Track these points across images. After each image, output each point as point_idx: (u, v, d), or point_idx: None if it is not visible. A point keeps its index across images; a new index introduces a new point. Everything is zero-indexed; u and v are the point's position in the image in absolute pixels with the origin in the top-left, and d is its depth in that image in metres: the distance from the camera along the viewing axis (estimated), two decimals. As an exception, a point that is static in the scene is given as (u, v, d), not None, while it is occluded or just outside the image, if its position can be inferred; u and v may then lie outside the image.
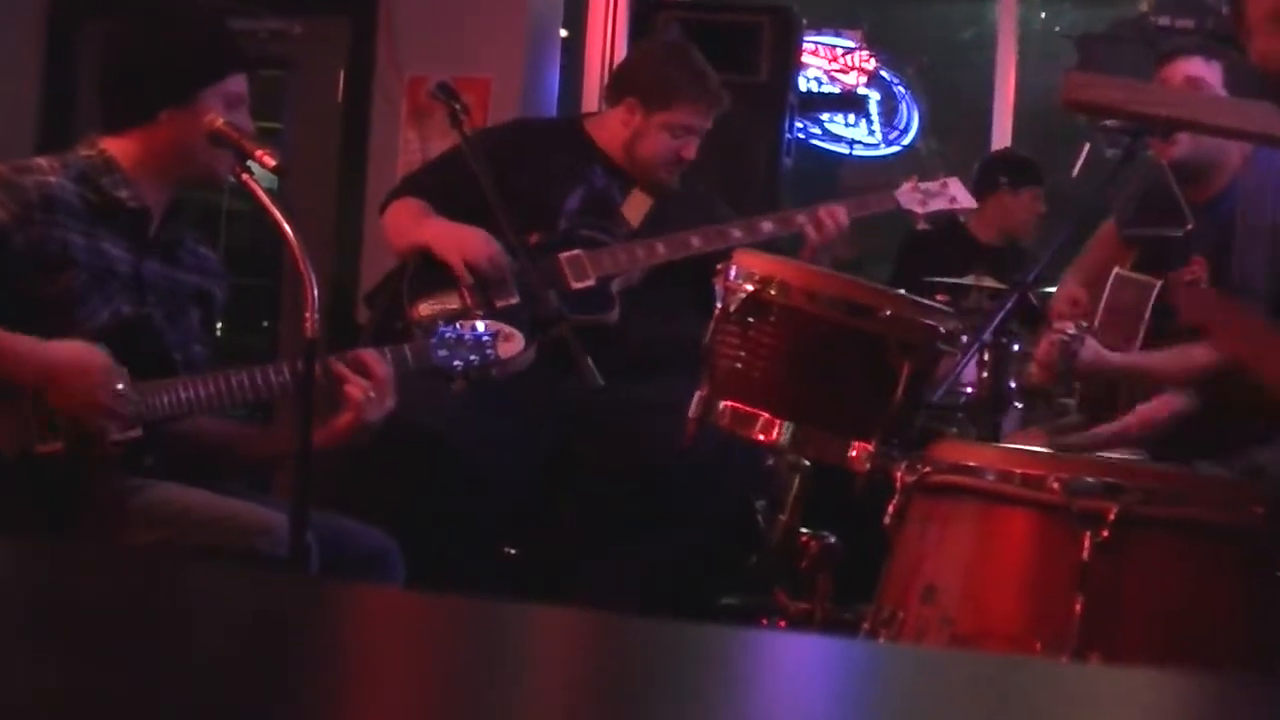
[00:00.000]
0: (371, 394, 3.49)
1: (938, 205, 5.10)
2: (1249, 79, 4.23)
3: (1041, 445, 3.73)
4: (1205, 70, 4.23)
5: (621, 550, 4.59)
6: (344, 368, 3.49)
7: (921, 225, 5.23)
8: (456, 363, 3.69)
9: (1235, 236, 4.16)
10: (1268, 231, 4.12)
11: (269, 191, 3.47)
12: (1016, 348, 5.30)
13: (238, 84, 3.63)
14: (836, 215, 4.77)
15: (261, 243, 7.49)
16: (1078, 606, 2.50)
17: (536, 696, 0.93)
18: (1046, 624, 2.55)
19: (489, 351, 3.72)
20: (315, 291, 3.21)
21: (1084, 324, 4.02)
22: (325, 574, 3.33)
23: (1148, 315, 4.18)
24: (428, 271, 4.65)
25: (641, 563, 4.55)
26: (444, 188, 4.80)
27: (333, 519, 3.53)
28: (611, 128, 4.94)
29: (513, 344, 3.77)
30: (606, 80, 6.11)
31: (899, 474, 2.82)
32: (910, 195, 5.05)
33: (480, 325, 3.77)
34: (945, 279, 5.84)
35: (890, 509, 2.80)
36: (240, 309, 7.79)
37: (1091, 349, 4.01)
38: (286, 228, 3.30)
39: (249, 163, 3.53)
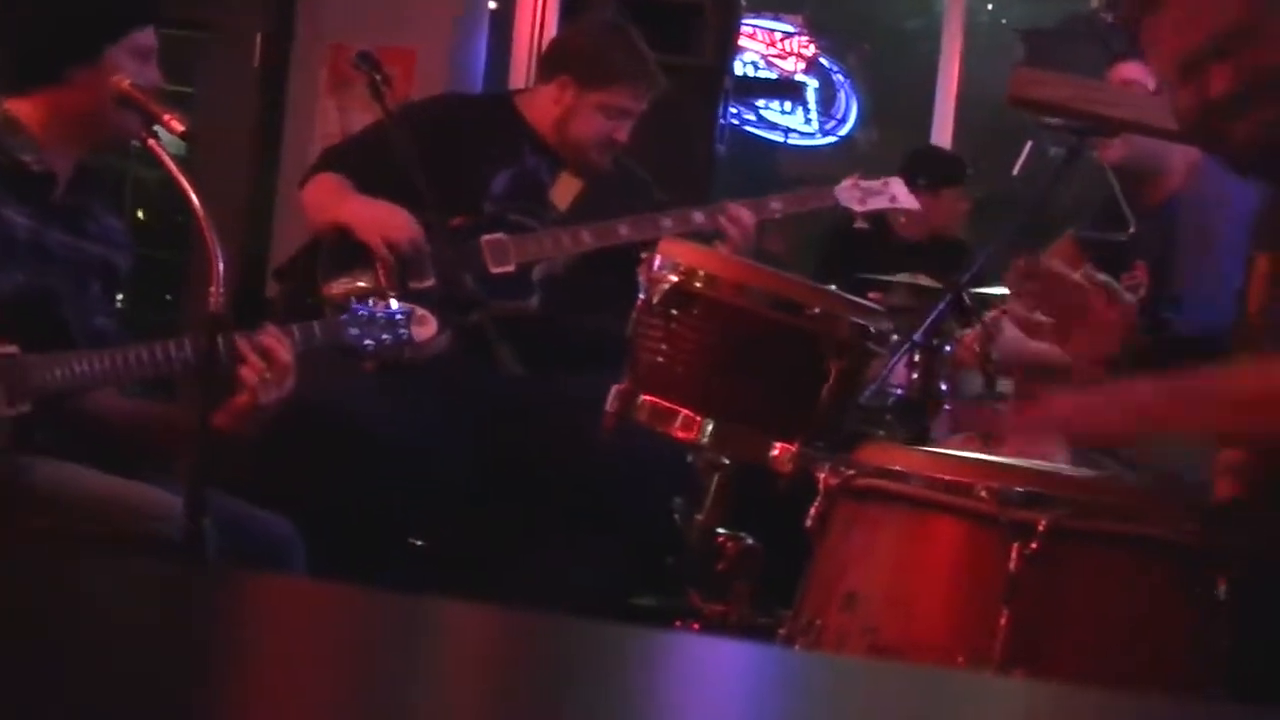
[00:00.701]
0: (268, 376, 3.45)
1: (877, 204, 5.12)
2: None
3: (977, 448, 3.74)
4: (1142, 72, 4.25)
5: (535, 546, 4.58)
6: (246, 347, 3.46)
7: (859, 224, 5.25)
8: (368, 341, 3.67)
9: (1178, 244, 4.19)
10: (1211, 241, 4.15)
11: (177, 158, 3.45)
12: (949, 349, 5.33)
13: (146, 37, 3.60)
14: (748, 216, 4.76)
15: (169, 212, 7.45)
16: (1003, 620, 2.50)
17: (439, 693, 0.93)
18: (971, 637, 2.55)
19: (401, 331, 3.70)
20: (222, 265, 3.19)
21: (1004, 309, 4.04)
22: (223, 561, 3.31)
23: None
24: (342, 249, 4.63)
25: (555, 560, 4.55)
26: (366, 164, 4.78)
27: (233, 503, 3.51)
28: (543, 105, 4.92)
29: (426, 327, 3.75)
30: (539, 55, 6.10)
31: (823, 476, 2.81)
32: (850, 192, 5.06)
33: (394, 304, 3.75)
34: (876, 276, 5.86)
35: (813, 512, 2.80)
36: (145, 282, 7.74)
37: (1011, 334, 4.02)
38: (194, 197, 3.27)
39: (156, 127, 3.50)
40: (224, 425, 3.41)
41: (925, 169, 7.05)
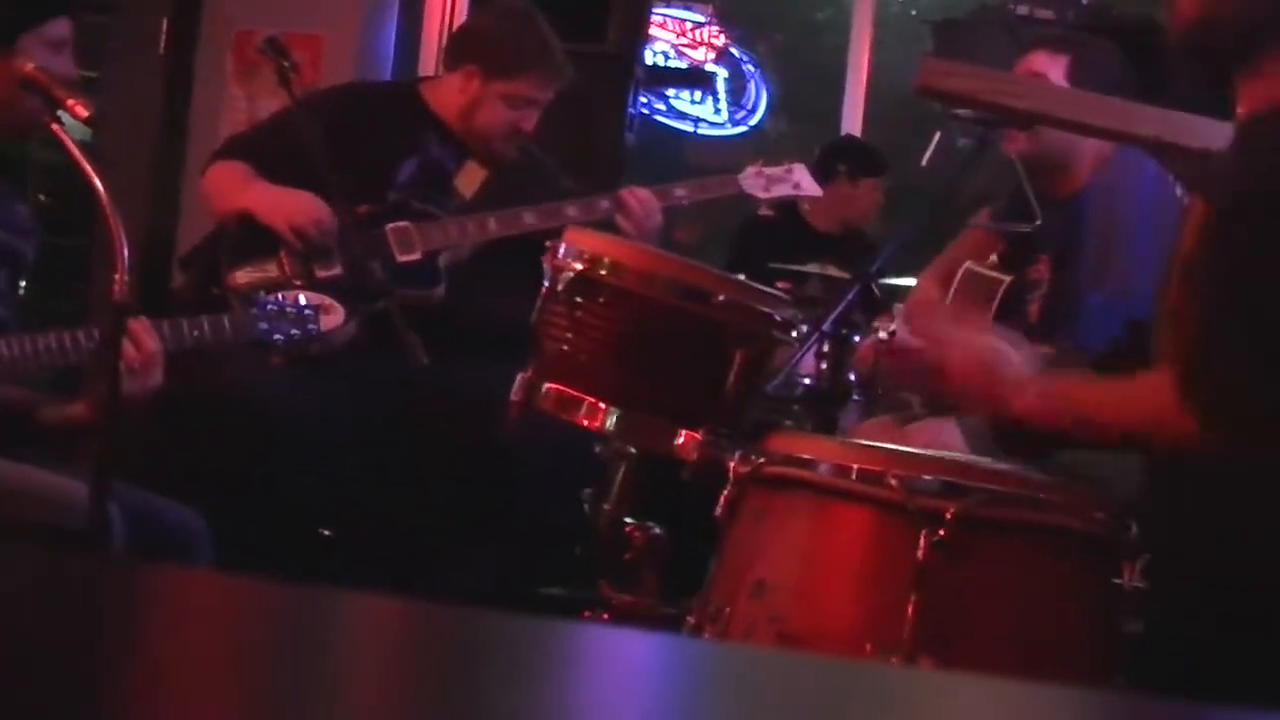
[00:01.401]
0: (135, 367, 3.41)
1: (781, 191, 5.13)
2: (1099, 73, 4.28)
3: (891, 437, 3.75)
4: (1049, 64, 4.26)
5: (442, 536, 4.57)
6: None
7: (764, 210, 5.27)
8: (277, 336, 3.65)
9: (1083, 239, 4.21)
10: (1116, 236, 4.18)
11: (81, 144, 3.41)
12: (857, 339, 5.34)
13: (62, 27, 3.56)
14: (643, 198, 4.76)
15: (72, 198, 7.38)
16: (911, 608, 2.51)
17: (347, 684, 0.92)
18: (879, 625, 2.56)
19: (311, 326, 3.68)
20: (126, 253, 3.16)
21: (893, 329, 4.05)
22: (128, 552, 3.28)
23: (992, 315, 4.22)
24: (247, 237, 4.60)
25: (463, 550, 4.54)
26: (270, 152, 4.75)
27: (139, 494, 3.48)
28: (448, 94, 4.90)
29: (333, 317, 3.73)
30: (445, 43, 6.08)
31: (733, 464, 2.82)
32: (754, 180, 5.07)
33: (303, 298, 3.73)
34: (786, 266, 5.88)
35: (722, 500, 2.80)
36: (48, 269, 7.67)
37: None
38: (98, 183, 3.24)
39: (60, 112, 3.47)
40: (84, 415, 3.37)
41: (845, 158, 7.09)
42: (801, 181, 5.15)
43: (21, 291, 3.80)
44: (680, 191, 4.94)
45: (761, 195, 5.09)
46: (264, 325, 3.63)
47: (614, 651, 1.10)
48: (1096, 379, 2.82)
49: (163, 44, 7.09)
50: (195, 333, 3.58)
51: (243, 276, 4.55)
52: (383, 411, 4.62)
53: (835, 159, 7.16)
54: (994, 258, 4.34)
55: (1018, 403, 2.76)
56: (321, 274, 4.52)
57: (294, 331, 3.66)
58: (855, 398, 5.42)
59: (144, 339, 3.42)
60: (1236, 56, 2.73)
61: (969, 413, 2.98)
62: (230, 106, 6.92)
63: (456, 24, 6.84)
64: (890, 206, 7.28)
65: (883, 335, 4.12)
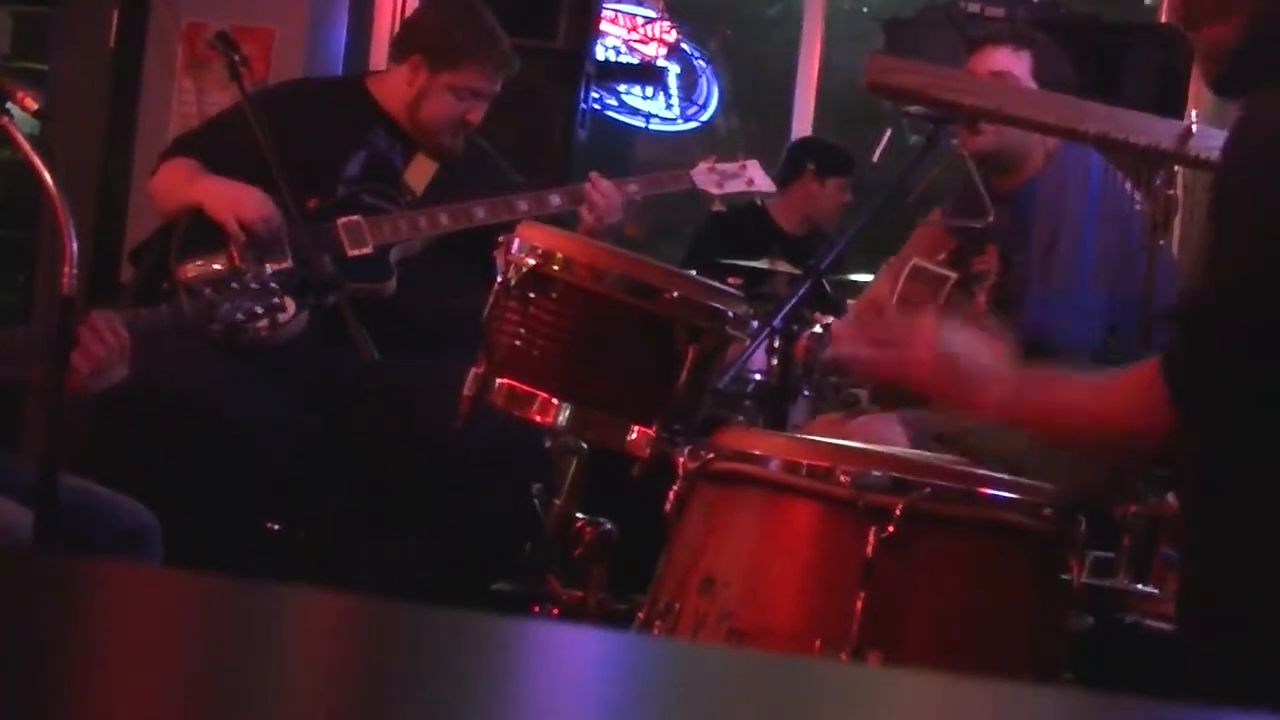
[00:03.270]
0: (103, 362, 3.38)
1: (734, 187, 5.13)
2: (1058, 70, 4.31)
3: (840, 433, 3.77)
4: (1013, 61, 4.29)
5: (393, 532, 4.56)
6: (86, 331, 3.39)
7: (716, 207, 5.26)
8: (239, 315, 3.62)
9: (1030, 230, 4.23)
10: (1062, 227, 4.20)
11: (29, 136, 3.39)
12: (808, 335, 5.35)
13: None
14: (608, 190, 4.77)
15: (17, 191, 7.33)
16: (859, 603, 2.52)
17: (298, 682, 0.92)
18: (827, 620, 2.57)
19: (275, 300, 3.66)
20: (75, 245, 3.14)
21: (829, 321, 4.06)
22: (76, 550, 3.26)
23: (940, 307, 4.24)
24: (197, 231, 4.58)
25: (413, 545, 4.53)
26: (219, 148, 4.74)
27: (87, 490, 3.45)
28: (395, 87, 4.89)
29: (284, 310, 3.72)
30: (392, 36, 6.07)
31: (682, 460, 2.82)
32: (706, 175, 5.07)
33: (267, 275, 3.70)
34: (740, 262, 5.89)
35: (671, 496, 2.81)
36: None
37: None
38: (47, 176, 3.22)
39: (9, 105, 3.44)
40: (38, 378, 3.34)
41: (815, 157, 7.11)
42: (755, 178, 5.16)
43: None
44: (633, 187, 4.94)
45: (715, 191, 5.09)
46: (226, 305, 3.60)
47: (563, 648, 1.10)
48: (1070, 373, 2.80)
49: (112, 37, 7.05)
50: (153, 319, 3.55)
51: (192, 270, 4.53)
52: (332, 406, 4.61)
53: (804, 157, 7.18)
54: (942, 256, 4.36)
55: (988, 399, 2.73)
56: (271, 268, 4.50)
57: (258, 308, 3.63)
58: (805, 393, 5.43)
59: (108, 334, 3.40)
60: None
61: (935, 409, 2.98)
62: (179, 100, 6.89)
63: (406, 17, 6.83)
64: (846, 206, 7.30)
65: (818, 329, 4.14)
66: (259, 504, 4.68)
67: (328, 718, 0.84)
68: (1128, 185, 4.14)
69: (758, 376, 5.58)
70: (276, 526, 4.75)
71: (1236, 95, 2.73)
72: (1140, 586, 3.26)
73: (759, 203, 6.93)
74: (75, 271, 3.15)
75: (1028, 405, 2.71)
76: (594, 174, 4.85)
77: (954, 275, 4.28)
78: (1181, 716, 1.05)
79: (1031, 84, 4.22)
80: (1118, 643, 3.05)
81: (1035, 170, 4.31)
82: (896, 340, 2.86)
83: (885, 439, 3.67)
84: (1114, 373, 2.71)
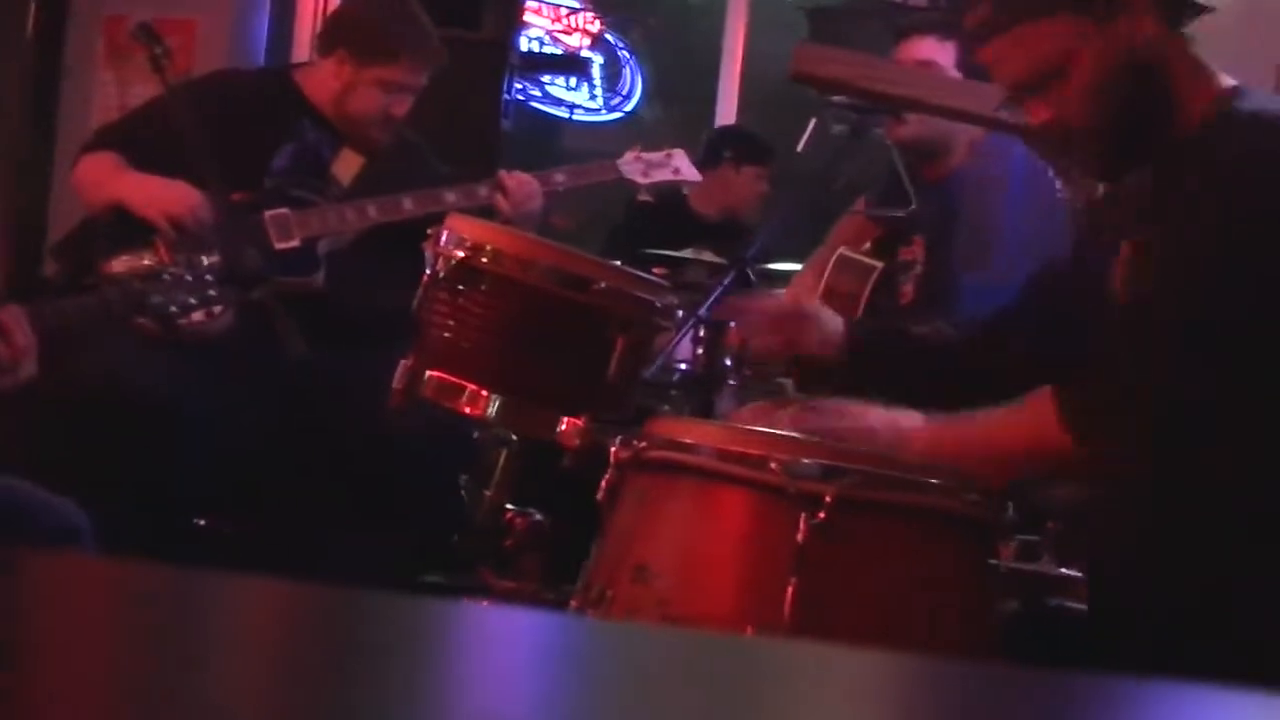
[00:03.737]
0: (6, 361, 3.34)
1: (661, 176, 5.14)
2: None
3: (768, 420, 3.79)
4: (938, 51, 4.31)
5: (321, 525, 4.56)
6: None
7: (643, 196, 5.27)
8: (173, 308, 3.60)
9: (956, 220, 4.26)
10: (987, 218, 4.23)
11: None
12: (733, 325, 5.37)
13: None
14: (521, 181, 4.78)
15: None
16: (791, 589, 2.54)
17: (232, 666, 0.93)
18: (759, 607, 2.59)
19: (211, 292, 3.64)
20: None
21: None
22: (7, 543, 3.23)
23: (865, 298, 4.27)
24: (122, 226, 4.56)
25: (342, 538, 4.53)
26: (142, 141, 4.72)
27: (16, 488, 3.44)
28: (321, 80, 4.88)
29: (218, 302, 3.71)
30: (318, 29, 6.05)
31: (614, 449, 2.83)
32: (633, 165, 5.08)
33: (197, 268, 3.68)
34: (663, 252, 5.91)
35: (603, 485, 2.82)
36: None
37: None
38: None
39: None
40: None
41: (731, 146, 7.12)
42: (681, 167, 5.17)
43: None
44: (559, 177, 4.95)
45: (641, 180, 5.10)
46: (157, 297, 3.57)
47: (500, 631, 1.11)
48: (977, 413, 2.87)
49: (30, 27, 7.00)
50: (79, 310, 3.52)
51: (119, 265, 4.51)
52: (261, 400, 4.61)
53: (721, 145, 7.19)
54: (867, 244, 4.39)
55: (916, 449, 2.83)
56: (198, 262, 4.49)
57: (192, 299, 3.60)
58: (731, 382, 5.46)
59: (16, 331, 3.35)
60: (1149, 106, 2.77)
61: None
62: (101, 92, 6.86)
63: (330, 9, 6.81)
64: (766, 195, 7.31)
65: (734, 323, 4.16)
66: (188, 500, 4.67)
67: (264, 699, 0.86)
68: (1050, 174, 4.17)
69: (683, 366, 5.60)
70: (203, 522, 4.74)
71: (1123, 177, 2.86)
72: (1064, 570, 3.29)
73: (682, 193, 6.94)
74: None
75: (950, 448, 2.79)
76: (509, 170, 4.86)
77: (880, 265, 4.31)
78: (1105, 689, 1.08)
79: (956, 73, 4.25)
80: (1042, 626, 3.08)
81: (960, 161, 4.34)
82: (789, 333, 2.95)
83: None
84: (1015, 404, 2.79)
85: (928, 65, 4.27)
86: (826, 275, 4.33)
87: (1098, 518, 2.89)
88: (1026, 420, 2.76)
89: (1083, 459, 2.75)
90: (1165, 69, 2.75)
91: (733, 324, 5.05)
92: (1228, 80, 2.78)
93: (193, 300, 3.61)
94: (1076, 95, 2.76)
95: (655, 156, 5.12)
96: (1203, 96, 2.75)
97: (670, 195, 6.86)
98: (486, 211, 4.61)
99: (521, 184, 4.76)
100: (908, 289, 4.29)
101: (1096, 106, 2.76)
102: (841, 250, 4.38)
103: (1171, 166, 2.77)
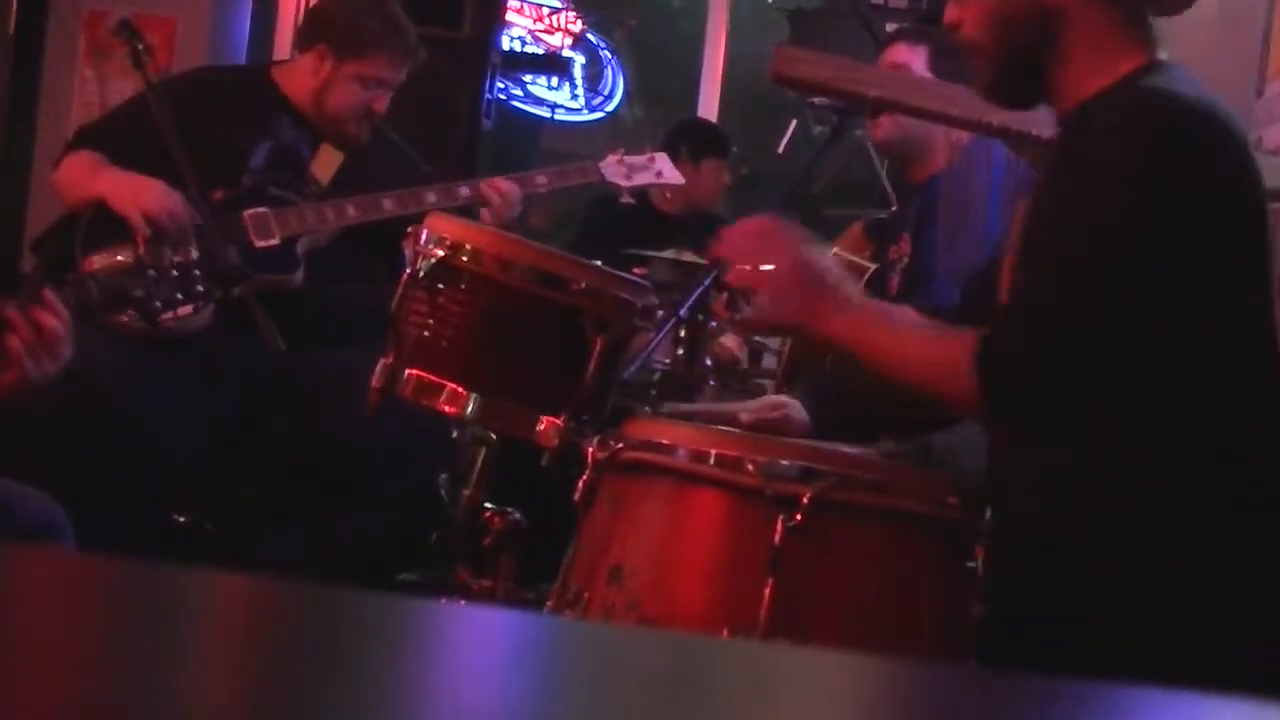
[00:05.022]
0: (39, 347, 3.33)
1: (643, 179, 5.16)
2: (955, 65, 4.36)
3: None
4: (909, 54, 4.34)
5: (300, 522, 4.56)
6: (15, 314, 3.28)
7: (625, 199, 5.28)
8: (157, 302, 3.59)
9: (938, 219, 4.29)
10: (967, 217, 4.25)
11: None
12: (713, 324, 5.39)
13: None
14: (504, 189, 4.79)
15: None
16: (767, 591, 2.54)
17: (208, 661, 0.93)
18: (735, 608, 2.59)
19: (199, 287, 3.63)
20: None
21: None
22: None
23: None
24: (102, 223, 4.57)
25: (319, 535, 4.53)
26: (123, 139, 4.73)
27: None
28: (300, 77, 4.89)
29: (204, 298, 3.70)
30: (298, 25, 6.06)
31: (591, 450, 2.84)
32: (615, 168, 5.09)
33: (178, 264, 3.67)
34: (640, 251, 5.91)
35: (580, 485, 2.82)
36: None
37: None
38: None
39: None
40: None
41: (688, 139, 7.12)
42: (664, 170, 5.18)
43: None
44: (541, 179, 4.96)
45: (623, 183, 5.11)
46: (140, 292, 3.56)
47: (474, 629, 1.12)
48: (919, 319, 2.89)
49: (12, 24, 7.00)
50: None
51: (98, 261, 4.51)
52: (240, 397, 4.61)
53: (677, 140, 7.18)
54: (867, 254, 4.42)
55: (833, 318, 2.82)
56: (177, 259, 4.48)
57: (177, 294, 3.59)
58: (711, 382, 5.47)
59: (48, 317, 3.29)
60: (1042, 53, 2.82)
61: (784, 318, 3.00)
62: (81, 88, 6.85)
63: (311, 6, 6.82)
64: (747, 192, 7.32)
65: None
66: (166, 495, 4.67)
67: (237, 695, 0.86)
68: (1023, 171, 4.20)
69: (662, 365, 5.61)
70: (183, 518, 4.74)
71: (1015, 107, 2.95)
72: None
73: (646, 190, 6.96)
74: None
75: (868, 334, 2.81)
76: (491, 178, 4.87)
77: (873, 266, 4.34)
78: (1075, 693, 1.08)
79: (927, 75, 4.27)
80: (1013, 627, 3.09)
81: (943, 163, 4.36)
82: (764, 247, 2.94)
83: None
84: (955, 331, 2.80)
85: (900, 68, 4.29)
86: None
87: (996, 478, 2.92)
88: (943, 352, 2.77)
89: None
90: (1067, 25, 2.80)
91: (714, 324, 5.07)
92: (1156, 58, 2.80)
93: (177, 295, 3.59)
94: (978, 11, 2.85)
95: (638, 159, 5.13)
96: (1108, 66, 2.78)
97: (636, 193, 6.88)
98: (465, 211, 4.61)
99: (504, 194, 4.77)
100: (894, 282, 4.32)
101: (990, 29, 2.84)
102: (836, 250, 4.40)
103: (1062, 130, 2.86)
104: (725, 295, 4.11)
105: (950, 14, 2.92)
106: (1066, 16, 2.80)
